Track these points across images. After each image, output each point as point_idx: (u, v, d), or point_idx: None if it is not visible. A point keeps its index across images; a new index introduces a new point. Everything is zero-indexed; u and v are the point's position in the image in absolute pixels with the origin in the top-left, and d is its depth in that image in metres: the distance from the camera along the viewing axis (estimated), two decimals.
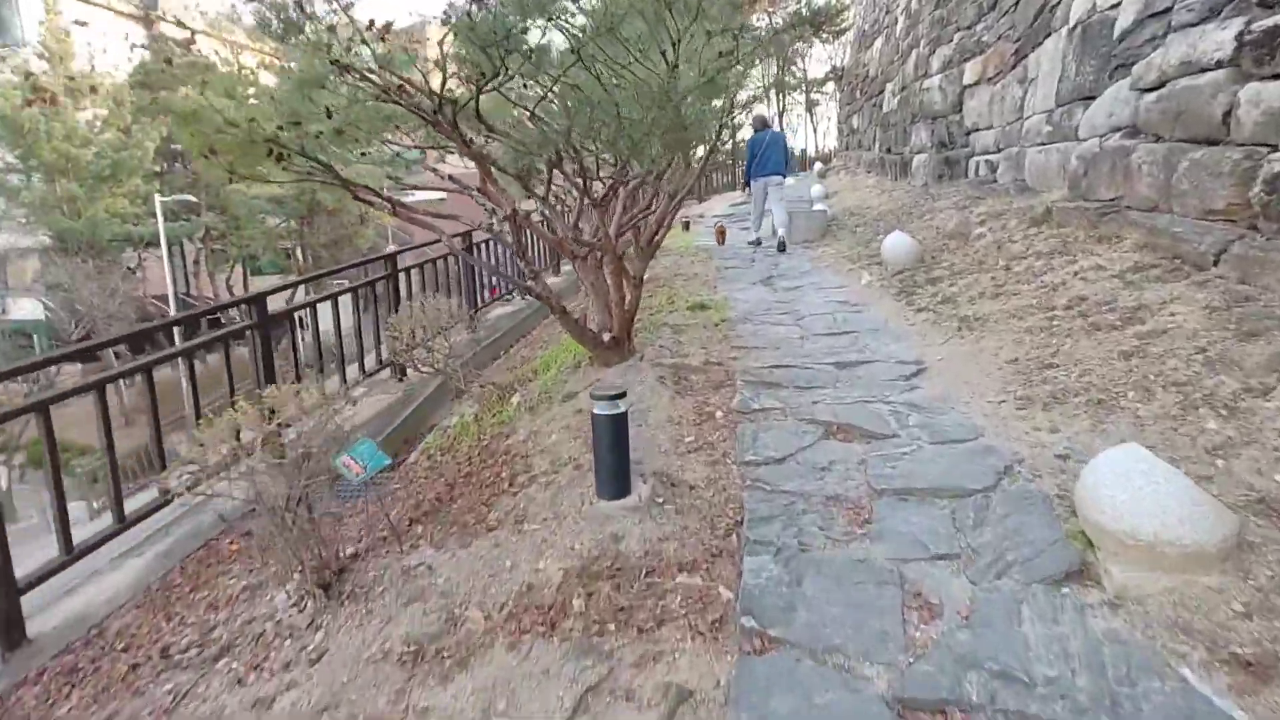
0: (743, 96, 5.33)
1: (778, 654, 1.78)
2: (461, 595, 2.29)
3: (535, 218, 4.04)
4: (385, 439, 4.89)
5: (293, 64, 3.03)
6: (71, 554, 2.77)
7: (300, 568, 2.39)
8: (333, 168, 3.15)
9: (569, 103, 3.24)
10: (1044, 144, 6.19)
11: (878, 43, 14.74)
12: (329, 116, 3.31)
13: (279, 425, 2.47)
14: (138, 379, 3.74)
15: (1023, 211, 5.87)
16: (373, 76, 2.90)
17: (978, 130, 8.45)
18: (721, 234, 10.80)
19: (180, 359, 3.58)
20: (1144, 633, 1.67)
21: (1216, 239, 3.42)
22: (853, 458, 2.79)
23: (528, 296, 8.40)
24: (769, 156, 8.68)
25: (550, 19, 3.08)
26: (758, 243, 9.24)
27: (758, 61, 3.72)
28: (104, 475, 3.09)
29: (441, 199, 7.71)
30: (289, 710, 1.95)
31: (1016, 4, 7.18)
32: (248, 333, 4.14)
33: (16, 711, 2.23)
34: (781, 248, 8.56)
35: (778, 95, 32.64)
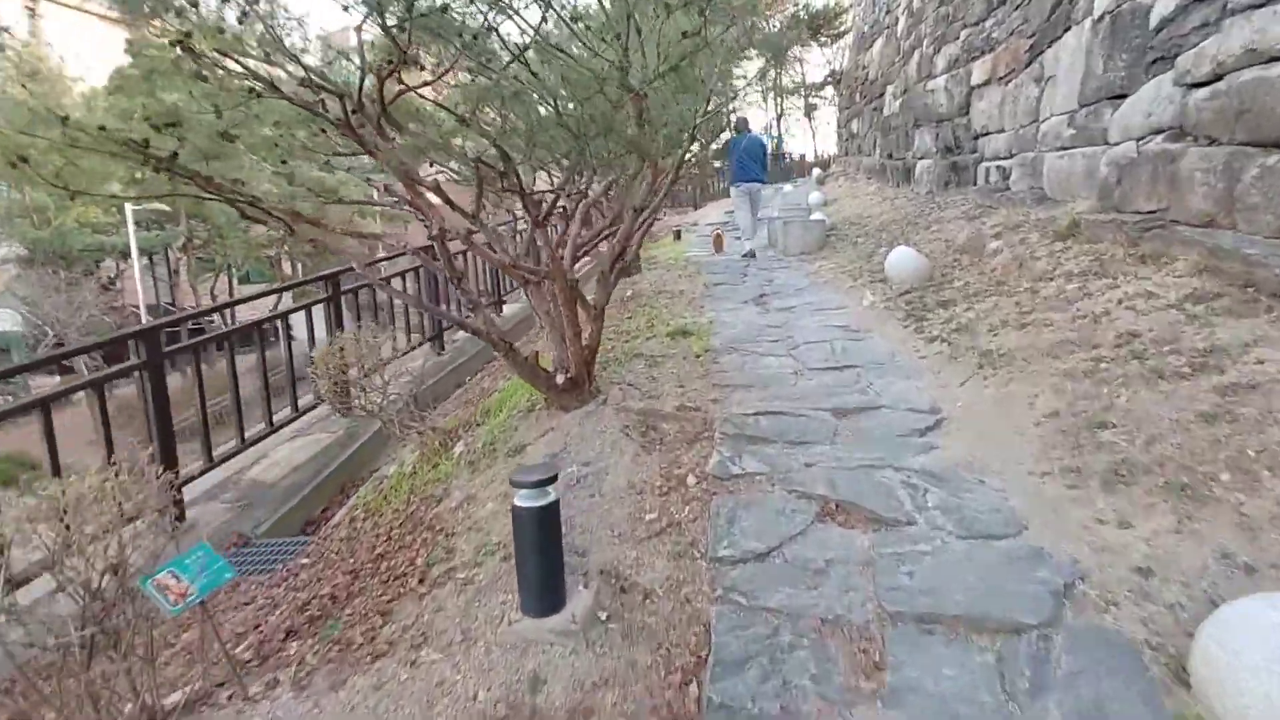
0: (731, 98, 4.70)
1: None
2: None
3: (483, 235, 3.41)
4: (316, 488, 4.25)
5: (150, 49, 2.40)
6: None
7: None
8: (200, 178, 2.50)
9: (504, 99, 2.61)
10: (1065, 149, 5.56)
11: (877, 44, 14.15)
12: (218, 115, 2.68)
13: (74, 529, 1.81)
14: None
15: (1043, 224, 5.23)
16: (236, 64, 2.26)
17: (987, 134, 7.83)
18: (719, 241, 10.21)
19: (38, 409, 2.94)
20: None
21: None
22: (856, 554, 2.14)
23: (517, 306, 7.80)
24: (749, 162, 8.51)
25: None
26: (751, 254, 8.79)
27: (744, 54, 3.10)
28: None
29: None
30: None
31: None
32: (138, 373, 3.50)
33: None
34: (751, 254, 8.71)
35: (776, 99, 32.11)
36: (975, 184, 8.06)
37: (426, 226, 3.13)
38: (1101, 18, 5.09)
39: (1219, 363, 2.54)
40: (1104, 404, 2.65)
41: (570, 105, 2.53)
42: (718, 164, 10.32)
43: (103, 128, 2.42)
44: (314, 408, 4.87)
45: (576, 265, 3.51)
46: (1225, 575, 1.74)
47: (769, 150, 8.88)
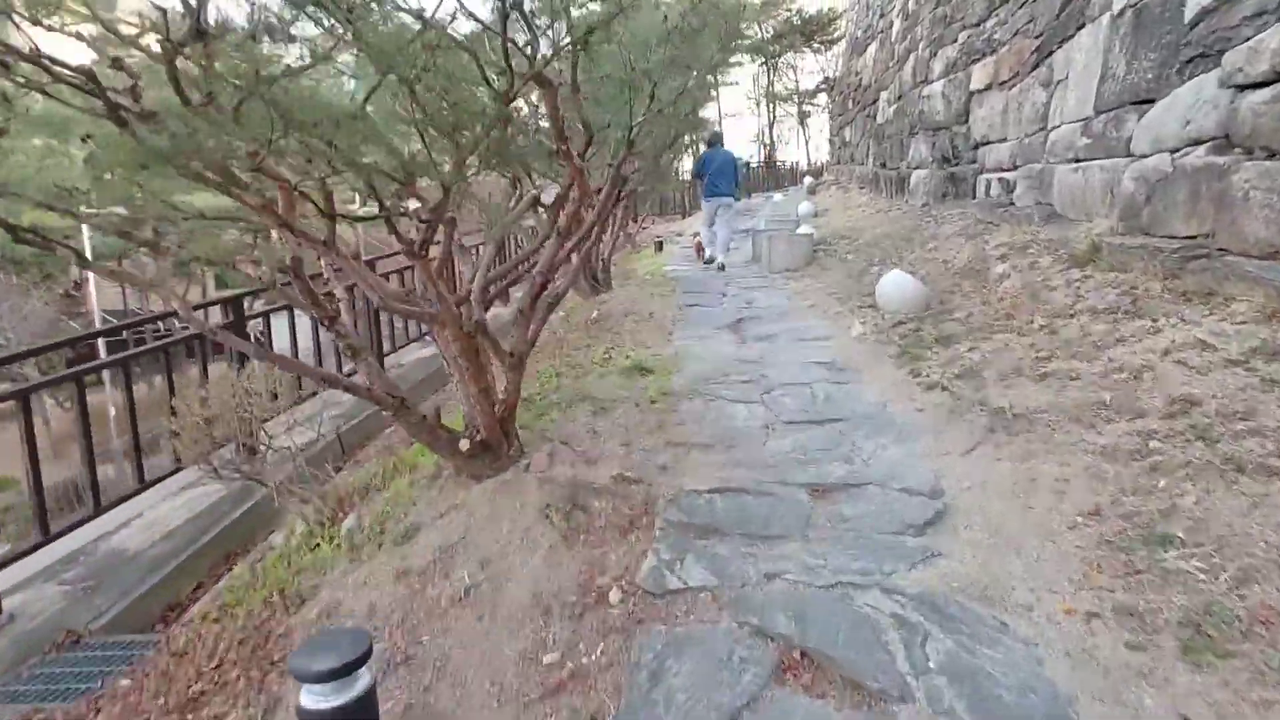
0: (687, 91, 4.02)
1: None
2: None
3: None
4: (191, 559, 3.54)
5: None
6: None
7: None
8: None
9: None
10: (1079, 160, 4.93)
11: (871, 48, 13.57)
12: None
13: None
14: None
15: (1055, 245, 4.59)
16: None
17: (988, 143, 7.21)
18: (700, 250, 9.63)
19: None
20: None
21: None
22: None
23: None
24: (720, 177, 8.45)
25: None
26: (721, 267, 8.58)
27: (697, 35, 2.43)
28: None
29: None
30: None
31: None
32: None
33: None
34: (720, 267, 8.50)
35: (768, 105, 31.61)
36: (974, 197, 7.44)
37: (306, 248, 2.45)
38: (1122, 12, 4.47)
39: None
40: (1163, 505, 1.98)
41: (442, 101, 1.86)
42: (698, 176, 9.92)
43: None
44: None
45: (502, 299, 2.82)
46: None
47: (740, 166, 9.21)
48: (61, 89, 1.93)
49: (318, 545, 2.88)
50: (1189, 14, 3.74)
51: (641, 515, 2.54)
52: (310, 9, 1.77)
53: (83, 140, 2.13)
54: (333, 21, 1.80)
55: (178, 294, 2.41)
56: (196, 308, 6.42)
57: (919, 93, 9.45)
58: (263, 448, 3.43)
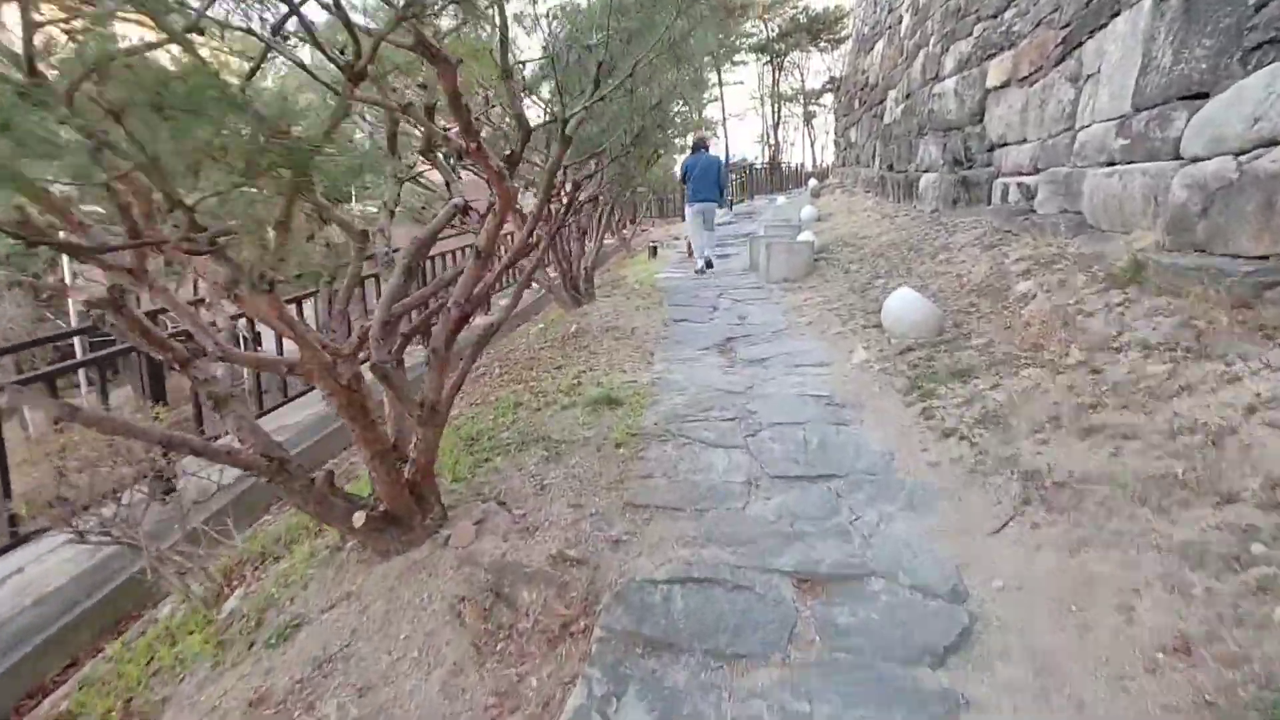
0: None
1: None
2: None
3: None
4: (64, 631, 2.99)
5: None
6: None
7: None
8: None
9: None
10: (1115, 164, 4.35)
11: (878, 45, 12.99)
12: None
13: None
14: None
15: (1088, 261, 4.02)
16: None
17: (1005, 145, 6.63)
18: (691, 253, 9.13)
19: None
20: None
21: None
22: None
23: (534, 283, 6.24)
24: (704, 182, 8.39)
25: None
26: (707, 266, 8.50)
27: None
28: None
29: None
30: None
31: None
32: None
33: None
34: (703, 269, 8.43)
35: (773, 105, 31.04)
36: (990, 203, 6.85)
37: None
38: None
39: None
40: None
41: None
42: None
43: None
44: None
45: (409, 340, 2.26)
46: None
47: (725, 171, 9.07)
48: None
49: (192, 632, 2.34)
50: None
51: (579, 616, 1.98)
52: None
53: None
54: None
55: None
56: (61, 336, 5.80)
57: (929, 91, 8.87)
58: (180, 484, 2.89)
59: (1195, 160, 3.45)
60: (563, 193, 3.71)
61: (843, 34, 25.19)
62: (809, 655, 1.76)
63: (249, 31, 1.56)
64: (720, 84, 29.82)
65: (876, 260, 6.83)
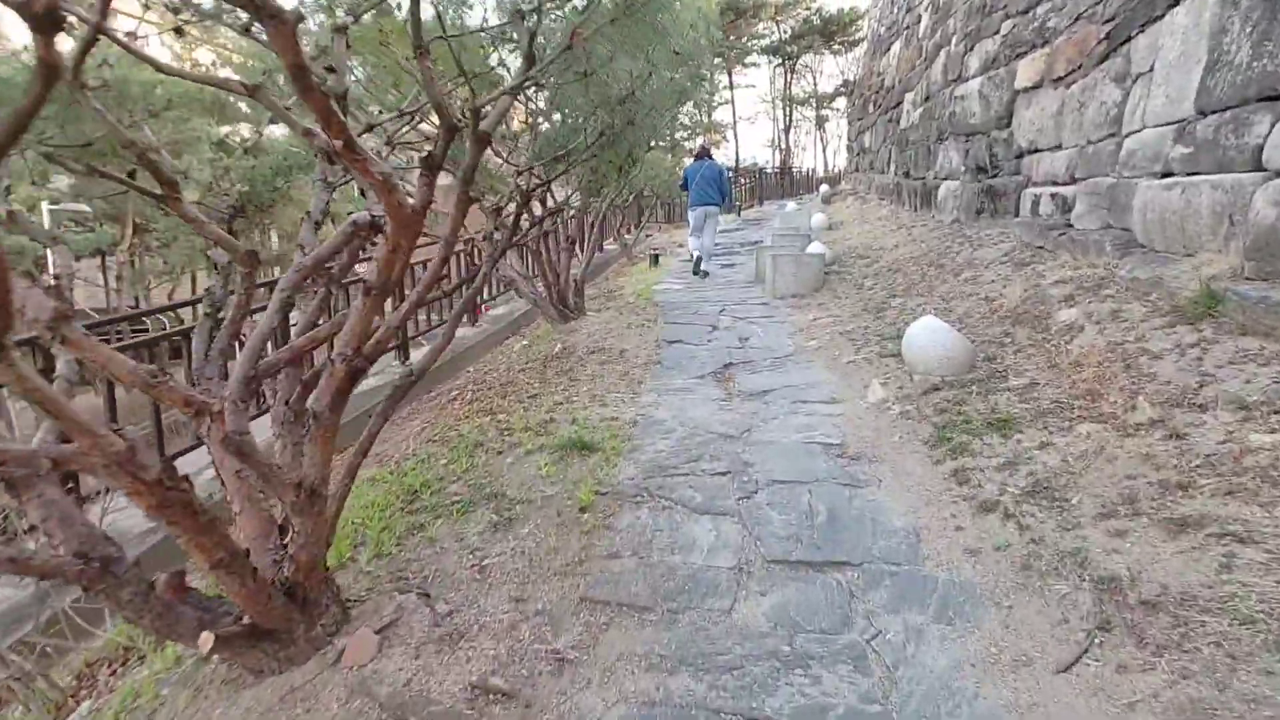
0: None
1: None
2: None
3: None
4: None
5: None
6: None
7: None
8: None
9: None
10: (1173, 175, 3.78)
11: (895, 46, 12.42)
12: None
13: None
14: None
15: (1142, 287, 3.45)
16: None
17: (1036, 151, 6.05)
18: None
19: None
20: None
21: None
22: None
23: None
24: (705, 187, 8.73)
25: None
26: (704, 274, 8.60)
27: None
28: None
29: None
30: None
31: None
32: None
33: None
34: (698, 270, 8.62)
35: (785, 109, 30.44)
36: (1017, 214, 6.27)
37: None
38: None
39: None
40: None
41: None
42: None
43: None
44: None
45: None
46: None
47: (727, 177, 9.35)
48: None
49: None
50: None
51: None
52: None
53: None
54: None
55: None
56: None
57: (950, 93, 8.29)
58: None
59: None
60: (524, 206, 3.19)
61: (857, 36, 24.61)
62: None
63: None
64: (731, 86, 29.29)
65: (893, 275, 6.26)
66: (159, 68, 1.71)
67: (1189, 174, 3.62)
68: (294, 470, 1.60)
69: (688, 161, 10.12)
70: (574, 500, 2.65)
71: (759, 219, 16.86)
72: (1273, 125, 3.03)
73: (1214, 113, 3.48)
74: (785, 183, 25.75)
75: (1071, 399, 2.83)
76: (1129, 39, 4.56)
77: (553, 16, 1.57)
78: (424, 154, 1.60)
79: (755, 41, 27.70)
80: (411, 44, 1.56)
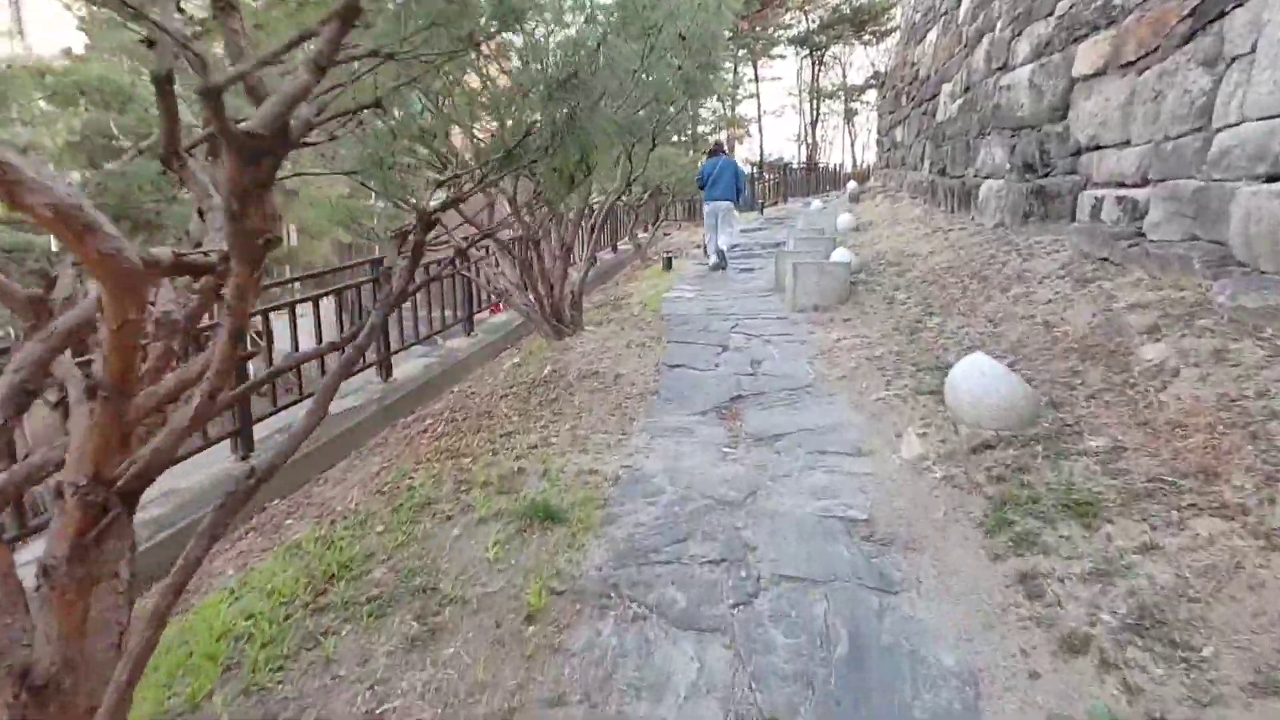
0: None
1: None
2: None
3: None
4: None
5: None
6: None
7: None
8: None
9: None
10: None
11: (931, 34, 11.59)
12: None
13: None
14: None
15: (1253, 319, 2.75)
16: None
17: (1098, 147, 5.28)
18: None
19: None
20: None
21: None
22: None
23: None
24: (719, 183, 8.96)
25: None
26: (722, 266, 8.75)
27: None
28: None
29: None
30: None
31: None
32: None
33: None
34: (717, 267, 8.73)
35: (812, 102, 29.45)
36: (1073, 219, 5.52)
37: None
38: None
39: None
40: None
41: None
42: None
43: None
44: None
45: None
46: None
47: (743, 174, 9.66)
48: None
49: None
50: None
51: None
52: None
53: None
54: None
55: None
56: None
57: (994, 83, 7.52)
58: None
59: None
60: (424, 232, 2.62)
61: (890, 25, 23.61)
62: None
63: None
64: (756, 79, 28.42)
65: (928, 289, 5.56)
66: None
67: None
68: (11, 653, 1.03)
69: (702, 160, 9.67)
70: (520, 602, 2.06)
71: (783, 217, 16.11)
72: None
73: None
74: (811, 179, 24.84)
75: (1177, 476, 2.16)
76: (1222, 14, 3.81)
77: None
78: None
79: (782, 32, 26.78)
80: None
